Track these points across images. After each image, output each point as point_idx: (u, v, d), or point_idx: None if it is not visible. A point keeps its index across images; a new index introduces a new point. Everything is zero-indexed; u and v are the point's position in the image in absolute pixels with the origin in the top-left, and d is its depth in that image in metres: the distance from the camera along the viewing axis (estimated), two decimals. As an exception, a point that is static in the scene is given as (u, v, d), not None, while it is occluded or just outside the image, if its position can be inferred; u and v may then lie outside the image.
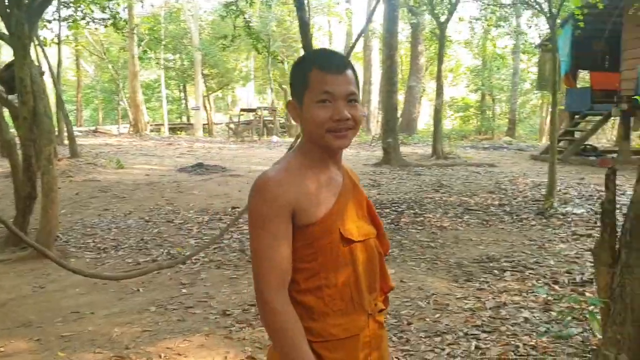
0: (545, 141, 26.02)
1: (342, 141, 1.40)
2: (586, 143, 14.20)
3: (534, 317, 3.92)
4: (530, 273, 4.91)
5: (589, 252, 5.53)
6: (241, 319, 4.04)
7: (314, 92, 1.38)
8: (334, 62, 1.40)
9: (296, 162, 1.44)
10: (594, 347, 3.20)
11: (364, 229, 1.50)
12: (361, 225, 1.49)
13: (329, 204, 1.42)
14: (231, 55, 32.96)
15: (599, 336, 3.10)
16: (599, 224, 6.67)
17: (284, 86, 35.45)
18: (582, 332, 3.57)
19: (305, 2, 10.60)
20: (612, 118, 14.34)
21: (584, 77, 18.81)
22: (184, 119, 36.47)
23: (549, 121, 30.71)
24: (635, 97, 11.50)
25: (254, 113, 25.26)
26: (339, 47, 34.67)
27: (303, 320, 1.39)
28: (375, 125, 30.18)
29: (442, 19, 13.23)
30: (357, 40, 6.54)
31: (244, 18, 9.24)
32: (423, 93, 30.64)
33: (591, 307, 3.25)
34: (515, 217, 7.14)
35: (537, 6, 7.74)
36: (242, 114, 25.98)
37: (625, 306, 2.89)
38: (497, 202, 8.07)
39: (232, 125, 26.58)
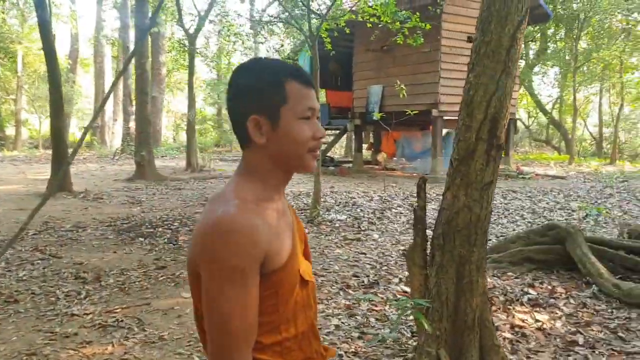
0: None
1: (315, 162, 1.24)
2: (326, 155, 15.56)
3: (343, 323, 4.05)
4: (322, 280, 5.08)
5: (363, 255, 6.01)
6: (23, 374, 3.30)
7: (297, 107, 1.18)
8: (306, 75, 1.22)
9: (253, 194, 1.19)
10: (416, 346, 3.42)
11: (309, 267, 1.33)
12: (306, 263, 1.32)
13: (288, 243, 1.21)
14: None
15: (419, 334, 3.33)
16: (362, 228, 7.33)
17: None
18: (390, 333, 3.80)
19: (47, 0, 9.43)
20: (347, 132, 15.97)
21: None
22: None
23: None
24: (372, 113, 13.04)
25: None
26: (64, 49, 31.62)
27: None
28: (111, 137, 28.41)
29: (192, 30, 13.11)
30: (133, 53, 5.93)
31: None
32: (166, 105, 29.93)
33: (396, 308, 3.46)
34: (288, 227, 7.37)
35: (297, 26, 8.17)
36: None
37: (441, 303, 3.17)
38: (266, 213, 8.23)
39: None
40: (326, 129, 16.14)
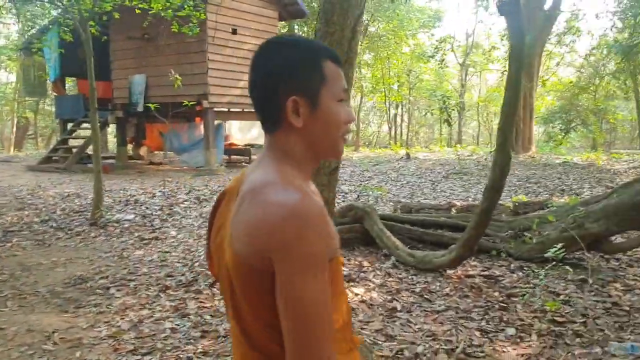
0: (13, 152, 24.47)
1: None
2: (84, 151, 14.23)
3: (177, 325, 3.84)
4: (135, 284, 4.72)
5: (168, 254, 5.73)
6: None
7: (334, 88, 1.12)
8: (338, 54, 1.17)
9: (296, 179, 1.10)
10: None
11: None
12: None
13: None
14: None
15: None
16: (156, 226, 6.96)
17: None
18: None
19: None
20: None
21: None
22: None
23: (15, 131, 29.09)
24: (137, 104, 12.31)
25: None
26: None
27: None
28: None
29: None
30: None
31: None
32: None
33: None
34: (70, 232, 6.61)
35: (63, 7, 7.27)
36: None
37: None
38: (37, 219, 7.24)
39: None
40: (82, 122, 14.73)
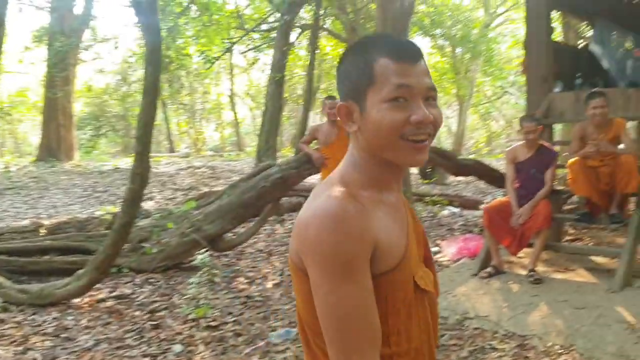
0: None
1: (422, 155, 1.05)
2: None
3: None
4: None
5: None
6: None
7: (384, 88, 1.03)
8: (407, 48, 1.06)
9: (357, 181, 1.06)
10: None
11: (428, 275, 1.15)
12: (425, 270, 1.15)
13: (402, 243, 1.07)
14: None
15: None
16: None
17: None
18: None
19: None
20: None
21: None
22: None
23: None
24: None
25: None
26: None
27: None
28: None
29: None
30: None
31: None
32: None
33: None
34: None
35: None
36: None
37: None
38: None
39: None
40: None
